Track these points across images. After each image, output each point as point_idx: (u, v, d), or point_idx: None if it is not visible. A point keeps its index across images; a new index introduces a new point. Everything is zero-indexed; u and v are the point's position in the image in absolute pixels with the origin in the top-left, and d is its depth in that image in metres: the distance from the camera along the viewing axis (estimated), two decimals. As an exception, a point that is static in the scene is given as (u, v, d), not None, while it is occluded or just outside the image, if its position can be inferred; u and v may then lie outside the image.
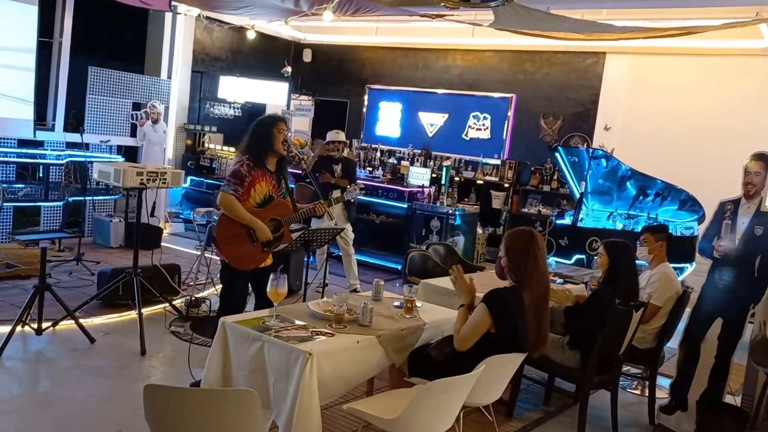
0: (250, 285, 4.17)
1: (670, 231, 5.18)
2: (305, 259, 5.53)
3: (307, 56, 11.47)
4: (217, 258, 4.25)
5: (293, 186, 8.38)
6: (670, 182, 6.92)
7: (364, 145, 10.72)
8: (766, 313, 3.74)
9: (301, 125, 10.97)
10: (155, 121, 8.76)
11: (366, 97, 11.03)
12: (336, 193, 6.05)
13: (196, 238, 7.31)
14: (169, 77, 9.26)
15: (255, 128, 4.08)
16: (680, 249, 6.32)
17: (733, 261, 4.14)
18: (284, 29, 9.79)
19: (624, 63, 8.77)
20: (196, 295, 5.76)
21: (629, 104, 8.71)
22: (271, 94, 10.58)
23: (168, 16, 9.03)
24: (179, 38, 9.27)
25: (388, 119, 10.83)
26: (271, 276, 3.19)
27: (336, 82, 11.34)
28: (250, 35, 7.60)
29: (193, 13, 9.06)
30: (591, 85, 9.04)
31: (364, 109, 11.05)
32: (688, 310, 4.47)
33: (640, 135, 8.45)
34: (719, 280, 4.20)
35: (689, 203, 6.91)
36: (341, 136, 6.99)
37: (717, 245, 4.21)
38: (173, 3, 7.07)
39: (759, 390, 3.64)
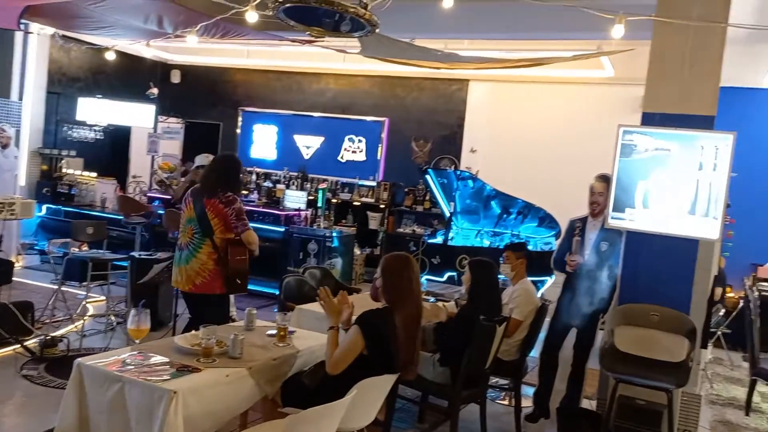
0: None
1: (529, 248, 5.53)
2: (175, 290, 5.33)
3: (176, 77, 11.13)
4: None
5: (162, 212, 8.09)
6: (530, 201, 7.39)
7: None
8: (614, 322, 4.07)
9: (169, 149, 10.58)
10: (5, 146, 8.10)
11: (239, 120, 10.87)
12: None
13: (53, 271, 6.80)
14: (21, 99, 8.62)
15: (232, 168, 4.48)
16: (541, 263, 6.75)
17: (584, 274, 4.49)
18: (150, 49, 9.45)
19: (486, 90, 9.30)
20: (52, 334, 5.34)
21: (492, 128, 9.23)
22: (137, 116, 10.13)
23: (19, 34, 8.42)
24: (32, 57, 8.68)
25: (263, 142, 10.74)
26: (132, 311, 3.04)
27: (207, 103, 11.08)
28: (110, 56, 7.25)
29: (48, 32, 8.51)
30: (457, 109, 9.49)
31: (238, 132, 10.87)
32: (548, 320, 4.78)
33: (502, 157, 8.98)
34: (572, 293, 4.53)
35: (547, 220, 7.41)
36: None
37: (569, 260, 4.56)
38: (23, 21, 6.60)
39: (610, 393, 3.94)
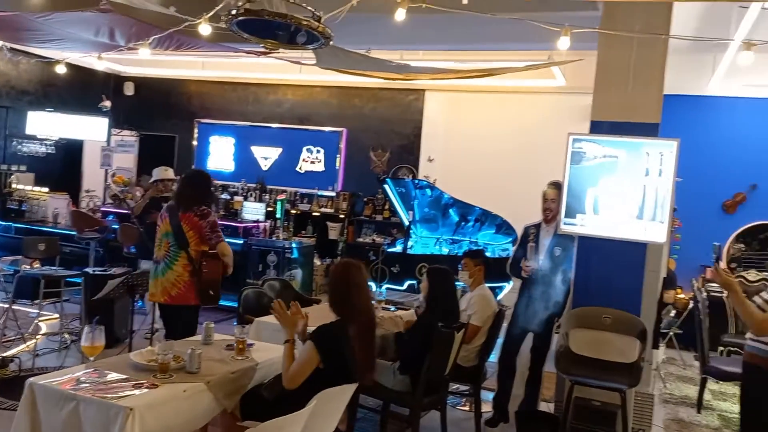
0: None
1: (487, 254, 5.62)
2: (133, 305, 5.24)
3: (129, 89, 10.95)
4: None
5: (117, 226, 7.95)
6: (487, 208, 7.51)
7: (195, 181, 10.38)
8: (569, 326, 4.18)
9: (124, 162, 10.40)
10: (-51, 162, 7.85)
11: (195, 132, 10.76)
12: None
13: (2, 290, 6.60)
14: (-34, 113, 8.36)
15: (206, 184, 4.75)
16: (499, 269, 6.86)
17: (539, 280, 4.60)
18: (102, 61, 9.28)
19: (441, 99, 9.43)
20: (2, 355, 5.19)
21: (448, 137, 9.35)
22: (89, 129, 9.94)
23: (-38, 46, 8.18)
24: (-22, 70, 8.43)
25: (220, 154, 10.64)
26: (86, 329, 3.00)
27: (162, 116, 10.94)
28: (60, 69, 7.11)
29: (-5, 44, 8.29)
30: (414, 119, 9.59)
31: (194, 144, 10.76)
32: (505, 326, 4.86)
33: (459, 165, 9.10)
34: (528, 298, 4.63)
35: (504, 227, 7.54)
36: (170, 173, 6.71)
37: (524, 266, 4.66)
38: (-32, 33, 6.44)
39: (566, 395, 4.03)
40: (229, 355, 3.51)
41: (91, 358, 3.04)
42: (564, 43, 3.99)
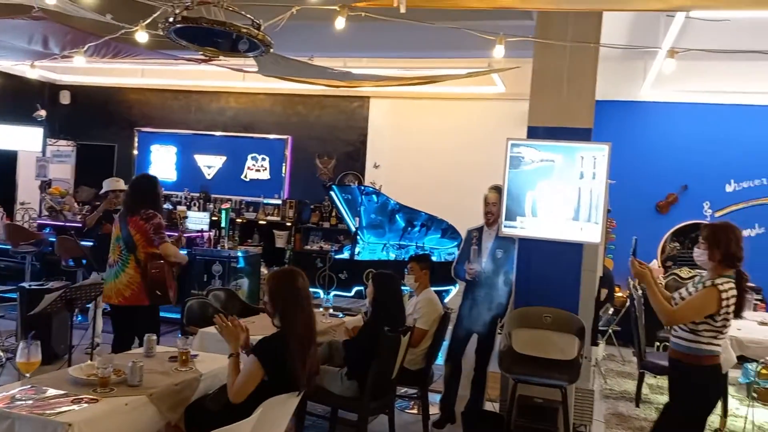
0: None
1: (434, 258, 5.70)
2: (72, 320, 5.09)
3: (65, 98, 10.63)
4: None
5: (54, 239, 7.70)
6: (432, 213, 7.62)
7: (135, 190, 10.16)
8: (511, 326, 4.29)
9: (60, 173, 10.09)
10: None
11: (136, 140, 10.52)
12: None
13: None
14: None
15: (151, 188, 4.89)
16: (445, 273, 6.96)
17: (482, 281, 4.70)
18: (36, 69, 8.99)
19: (386, 106, 9.52)
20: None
21: (393, 143, 9.44)
22: (23, 139, 9.60)
23: None
24: None
25: (162, 163, 10.43)
26: (21, 344, 2.91)
27: (100, 125, 10.65)
28: (-11, 78, 6.86)
29: None
30: (359, 126, 9.64)
31: (135, 153, 10.52)
32: (451, 328, 4.95)
33: (404, 171, 9.20)
34: (472, 300, 4.73)
35: (450, 231, 7.66)
36: (120, 183, 6.62)
37: (468, 268, 4.75)
38: None
39: (510, 394, 4.13)
40: (172, 367, 3.46)
41: (28, 375, 2.96)
42: (499, 51, 4.10)
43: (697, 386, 3.42)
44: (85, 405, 2.81)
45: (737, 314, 3.41)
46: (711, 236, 3.48)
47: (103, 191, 6.65)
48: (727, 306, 3.32)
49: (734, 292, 3.35)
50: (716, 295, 3.31)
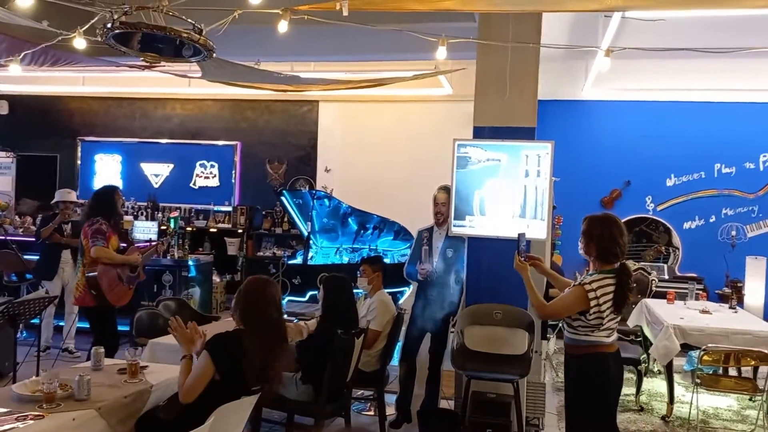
0: None
1: (387, 261, 5.73)
2: (15, 336, 4.92)
3: (3, 108, 10.28)
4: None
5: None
6: (384, 216, 7.65)
7: (81, 201, 9.88)
8: (463, 323, 4.35)
9: (1, 185, 9.74)
10: None
11: (79, 150, 10.24)
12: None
13: None
14: None
15: (101, 196, 5.22)
16: (399, 274, 7.00)
17: (434, 281, 4.75)
18: (-30, 79, 8.69)
19: (335, 110, 9.52)
20: None
21: (344, 147, 9.46)
22: (-41, 152, 9.24)
23: None
24: None
25: (107, 172, 10.18)
26: (-40, 363, 2.81)
27: (41, 135, 10.33)
28: None
29: None
30: (309, 130, 9.62)
31: (78, 163, 10.24)
32: (404, 329, 4.98)
33: (355, 174, 9.22)
34: (424, 300, 4.78)
35: (402, 233, 7.69)
36: (72, 195, 6.93)
37: (419, 269, 4.80)
38: None
39: (463, 391, 4.19)
40: (121, 379, 3.39)
41: (-35, 395, 2.85)
42: (441, 53, 4.17)
43: (583, 374, 3.35)
44: (31, 422, 2.73)
45: (617, 310, 3.29)
46: (587, 229, 3.38)
47: (54, 201, 6.78)
48: (598, 304, 3.22)
49: (609, 288, 3.24)
50: (582, 294, 3.23)
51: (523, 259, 3.54)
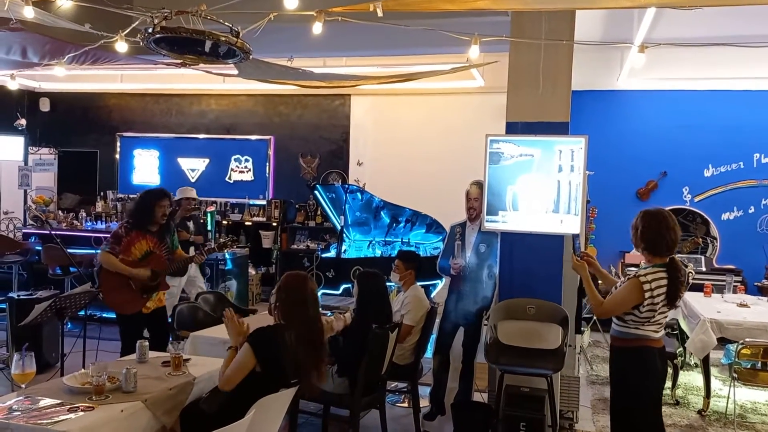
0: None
1: (420, 257, 5.77)
2: (62, 328, 5.11)
3: (45, 105, 10.58)
4: None
5: (40, 248, 7.69)
6: (417, 209, 7.69)
7: (120, 196, 10.16)
8: (496, 318, 4.38)
9: (43, 181, 10.05)
10: None
11: (118, 146, 10.50)
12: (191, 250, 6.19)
13: None
14: None
15: (140, 199, 5.01)
16: (431, 267, 7.05)
17: (467, 276, 4.79)
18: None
19: (367, 103, 9.57)
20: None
21: (376, 140, 9.51)
22: (5, 149, 9.54)
23: None
24: None
25: (145, 167, 10.42)
26: (15, 356, 2.96)
27: (81, 131, 10.62)
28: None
29: None
30: (341, 124, 9.70)
31: (117, 158, 10.50)
32: (438, 322, 5.03)
33: (387, 168, 9.27)
34: (457, 294, 4.82)
35: (434, 226, 7.73)
36: (193, 192, 7.13)
37: (453, 264, 4.83)
38: None
39: (497, 384, 4.23)
40: (165, 372, 3.52)
41: (23, 386, 3.00)
42: (474, 51, 4.17)
43: (629, 367, 3.41)
44: (82, 413, 2.86)
45: (671, 303, 3.36)
46: (635, 224, 3.47)
47: (176, 198, 6.85)
48: (652, 297, 3.28)
49: (662, 282, 3.30)
50: (638, 285, 3.29)
51: (579, 258, 3.65)
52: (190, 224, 6.97)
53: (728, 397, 5.17)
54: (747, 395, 5.69)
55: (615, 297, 3.45)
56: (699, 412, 5.31)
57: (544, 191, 4.30)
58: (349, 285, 7.51)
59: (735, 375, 5.04)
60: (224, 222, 9.58)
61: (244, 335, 3.37)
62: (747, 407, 5.49)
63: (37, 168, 9.85)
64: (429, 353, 5.17)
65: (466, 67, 6.68)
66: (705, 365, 5.32)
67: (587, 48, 6.12)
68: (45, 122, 10.65)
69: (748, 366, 5.48)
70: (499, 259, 4.53)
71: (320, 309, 5.38)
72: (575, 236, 3.67)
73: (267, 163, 9.93)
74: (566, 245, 4.37)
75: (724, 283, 6.93)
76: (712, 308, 5.54)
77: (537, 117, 4.38)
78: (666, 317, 3.43)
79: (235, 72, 5.72)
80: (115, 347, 6.48)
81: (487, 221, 4.44)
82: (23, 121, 9.69)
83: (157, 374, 3.48)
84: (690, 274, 7.18)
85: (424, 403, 5.03)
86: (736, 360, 5.07)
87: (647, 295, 3.28)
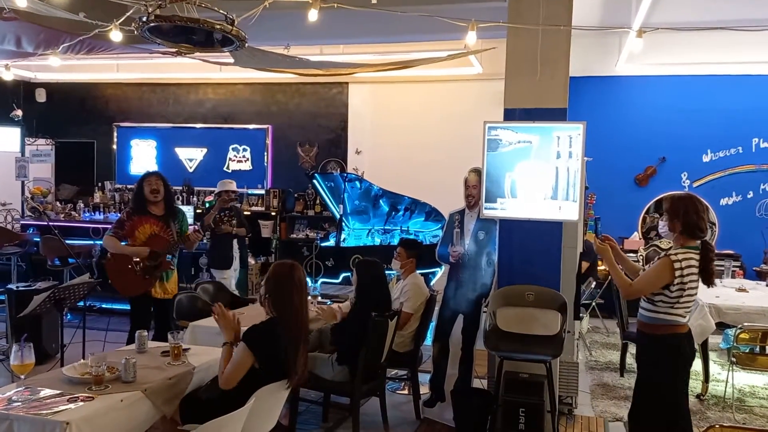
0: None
1: (422, 245, 5.77)
2: (62, 319, 5.12)
3: (41, 96, 10.52)
4: None
5: (38, 239, 7.69)
6: (416, 197, 7.68)
7: (118, 186, 10.14)
8: (495, 305, 4.38)
9: (41, 172, 10.01)
10: None
11: (115, 136, 10.45)
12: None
13: None
14: None
15: (135, 185, 5.27)
16: (431, 255, 7.05)
17: (466, 263, 4.79)
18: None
19: (365, 91, 9.52)
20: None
21: (374, 129, 9.47)
22: (1, 140, 9.51)
23: None
24: None
25: (143, 157, 10.37)
26: (14, 347, 2.96)
27: (78, 122, 10.56)
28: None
29: None
30: (339, 112, 9.65)
31: (115, 148, 10.46)
32: (437, 309, 5.04)
33: (386, 156, 9.24)
34: (456, 281, 4.82)
35: (433, 214, 7.73)
36: (233, 185, 7.15)
37: (451, 251, 4.83)
38: None
39: (496, 371, 4.24)
40: (165, 362, 3.52)
41: (22, 377, 3.00)
42: (471, 37, 4.15)
43: (658, 355, 3.49)
44: (81, 403, 2.86)
45: (708, 283, 3.47)
46: (671, 207, 3.52)
47: (216, 191, 7.11)
48: (682, 276, 3.35)
49: (693, 262, 3.39)
50: (669, 265, 3.36)
51: (601, 241, 3.70)
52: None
53: (727, 382, 5.20)
54: (745, 379, 5.72)
55: (645, 276, 3.50)
56: (698, 396, 5.34)
57: (543, 178, 4.28)
58: (349, 273, 7.52)
59: (733, 359, 5.05)
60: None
61: (236, 329, 3.35)
62: (745, 391, 5.51)
63: (34, 159, 9.83)
64: (429, 341, 5.18)
65: (463, 54, 6.64)
66: (704, 350, 5.34)
67: (585, 33, 6.10)
68: (41, 113, 10.60)
69: (747, 350, 5.49)
70: (498, 246, 4.53)
71: (319, 297, 5.44)
72: (596, 219, 3.72)
73: (265, 153, 9.89)
74: (565, 231, 4.37)
75: (722, 268, 6.94)
76: (711, 293, 5.53)
77: (535, 103, 4.36)
78: (693, 300, 3.48)
79: (231, 60, 5.69)
80: (120, 338, 6.52)
81: (485, 208, 4.43)
82: (19, 112, 9.65)
83: (156, 364, 3.49)
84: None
85: (424, 390, 5.05)
86: (735, 344, 5.08)
87: (677, 273, 3.34)
